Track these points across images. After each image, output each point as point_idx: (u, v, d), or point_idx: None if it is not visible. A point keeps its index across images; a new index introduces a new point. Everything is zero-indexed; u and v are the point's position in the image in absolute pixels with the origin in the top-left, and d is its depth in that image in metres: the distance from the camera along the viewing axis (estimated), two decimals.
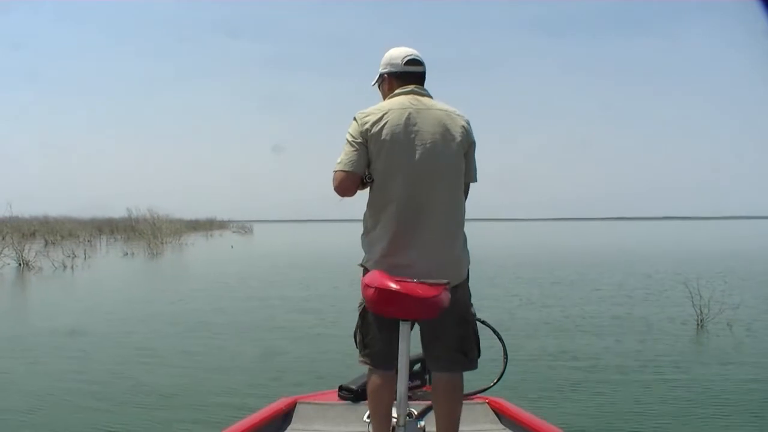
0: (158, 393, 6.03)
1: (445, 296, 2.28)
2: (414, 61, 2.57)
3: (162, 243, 34.03)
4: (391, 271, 2.32)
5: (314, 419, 3.09)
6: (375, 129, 2.41)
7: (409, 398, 2.46)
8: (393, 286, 2.19)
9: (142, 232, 35.42)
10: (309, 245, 41.56)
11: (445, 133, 2.44)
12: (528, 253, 28.61)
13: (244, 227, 68.54)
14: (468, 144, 2.49)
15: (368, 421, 2.81)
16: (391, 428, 2.56)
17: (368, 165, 2.44)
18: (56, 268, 19.72)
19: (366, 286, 2.28)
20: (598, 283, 14.90)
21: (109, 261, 25.50)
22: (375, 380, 2.52)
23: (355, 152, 2.42)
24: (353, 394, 3.15)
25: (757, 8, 1.59)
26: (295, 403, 3.17)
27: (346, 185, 2.43)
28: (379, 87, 2.66)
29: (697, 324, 8.92)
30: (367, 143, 2.42)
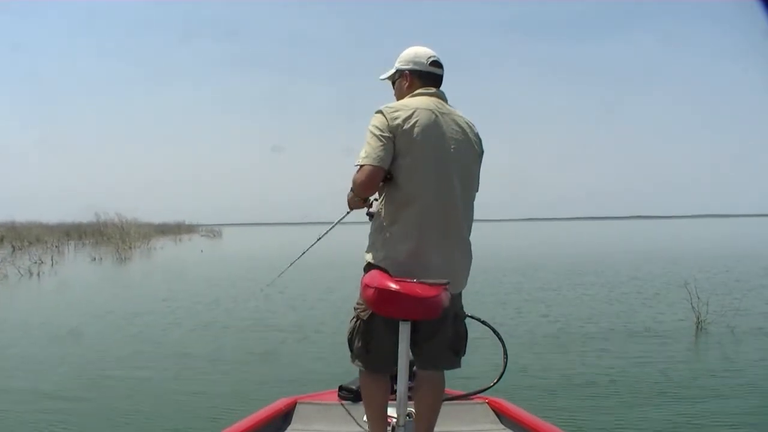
0: (157, 393, 5.98)
1: (445, 296, 2.28)
2: (438, 63, 2.57)
3: (130, 248, 33.47)
4: (414, 271, 2.30)
5: (314, 419, 3.09)
6: (406, 125, 2.38)
7: (409, 398, 2.46)
8: (393, 286, 2.19)
9: (110, 236, 34.86)
10: (281, 248, 41.15)
11: (466, 140, 2.47)
12: (522, 253, 28.54)
13: (212, 231, 67.85)
14: (480, 154, 2.55)
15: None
16: (391, 429, 2.58)
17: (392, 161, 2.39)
18: (22, 275, 19.19)
19: (366, 286, 2.27)
20: (594, 283, 14.88)
21: (76, 267, 24.90)
22: (371, 382, 2.52)
23: (383, 147, 2.36)
24: (353, 394, 3.15)
25: (757, 8, 1.64)
26: (295, 403, 3.18)
27: (375, 180, 2.38)
28: (393, 83, 2.62)
29: (696, 326, 8.86)
30: (395, 138, 2.38)
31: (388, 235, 2.41)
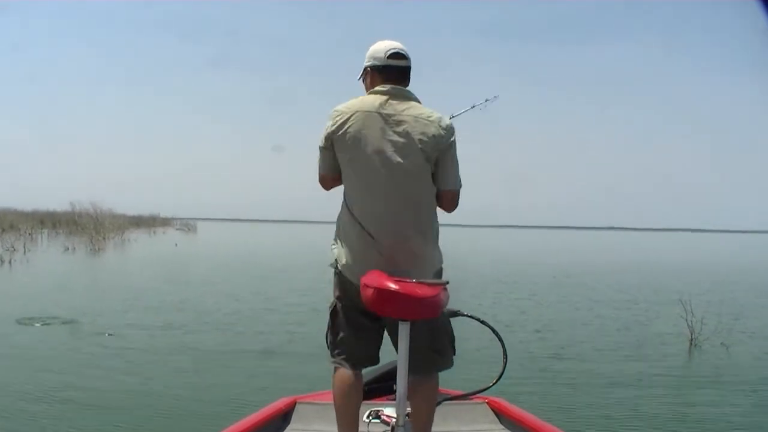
0: (156, 393, 5.93)
1: (444, 296, 2.31)
2: (397, 55, 2.49)
3: (104, 239, 33.08)
4: (356, 271, 2.40)
5: (314, 419, 3.10)
6: (340, 132, 2.42)
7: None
8: (392, 286, 2.20)
9: (84, 226, 34.38)
10: (260, 245, 41.10)
11: (409, 141, 2.40)
12: (525, 261, 28.60)
13: (187, 225, 67.05)
14: (439, 151, 2.42)
15: (368, 420, 2.83)
16: (390, 429, 2.60)
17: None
18: None
19: (365, 287, 2.28)
20: (594, 291, 15.02)
21: (48, 256, 24.53)
22: (343, 378, 2.53)
23: (321, 158, 2.51)
24: None
25: (757, 8, 1.63)
26: (295, 403, 3.19)
27: (324, 185, 2.58)
28: (363, 81, 2.60)
29: (690, 342, 8.78)
30: (333, 145, 2.45)
31: (339, 237, 2.50)
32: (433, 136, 2.41)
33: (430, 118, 2.43)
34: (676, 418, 5.47)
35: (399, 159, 2.39)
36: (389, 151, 2.39)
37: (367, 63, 2.54)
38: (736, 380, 7.00)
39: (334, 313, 2.55)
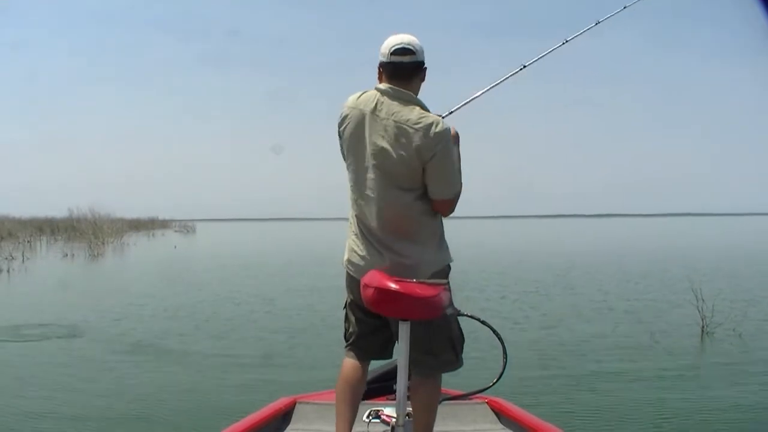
0: (156, 394, 5.96)
1: (445, 296, 2.33)
2: (400, 51, 2.38)
3: (103, 243, 33.02)
4: (357, 270, 2.45)
5: (314, 419, 3.10)
6: (341, 127, 2.47)
7: (408, 398, 2.47)
8: (393, 286, 2.21)
9: (83, 232, 34.35)
10: (258, 245, 41.10)
11: (392, 146, 2.34)
12: (523, 252, 28.50)
13: (186, 226, 66.96)
14: (423, 161, 2.33)
15: (368, 420, 2.85)
16: (390, 429, 2.64)
17: None
18: None
19: (365, 286, 2.29)
20: (595, 283, 14.79)
21: (47, 263, 24.44)
22: (346, 367, 2.58)
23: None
24: None
25: (757, 8, 1.67)
26: (295, 403, 3.20)
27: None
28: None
29: (702, 329, 8.57)
30: (340, 141, 2.51)
31: (348, 235, 2.54)
32: (417, 146, 2.31)
33: (416, 126, 2.31)
34: (685, 414, 5.38)
35: (379, 165, 2.37)
36: (371, 156, 2.38)
37: (379, 60, 2.44)
38: (751, 368, 6.90)
39: (346, 307, 2.62)
